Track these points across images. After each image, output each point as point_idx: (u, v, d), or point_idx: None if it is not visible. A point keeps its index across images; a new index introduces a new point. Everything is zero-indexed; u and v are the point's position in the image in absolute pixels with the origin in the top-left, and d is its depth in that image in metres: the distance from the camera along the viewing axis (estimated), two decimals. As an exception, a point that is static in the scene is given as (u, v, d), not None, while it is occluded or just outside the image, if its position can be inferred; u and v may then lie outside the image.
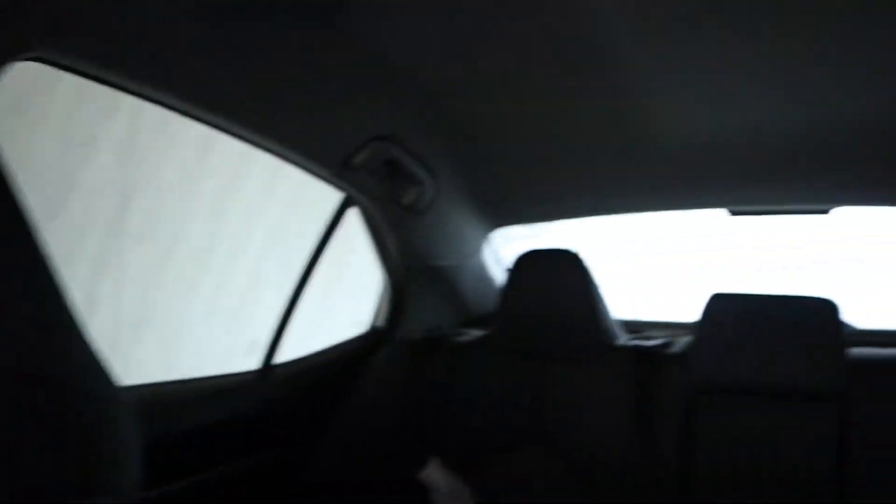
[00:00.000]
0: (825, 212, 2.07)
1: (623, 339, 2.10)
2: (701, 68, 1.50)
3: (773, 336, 1.86)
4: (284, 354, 2.08)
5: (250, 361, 2.00)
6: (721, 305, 1.94)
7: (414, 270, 2.22)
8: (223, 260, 3.63)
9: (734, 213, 2.14)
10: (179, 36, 1.21)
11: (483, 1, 1.29)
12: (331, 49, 1.43)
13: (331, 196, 1.95)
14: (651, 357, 1.99)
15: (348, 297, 3.34)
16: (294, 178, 1.80)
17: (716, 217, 2.18)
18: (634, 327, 2.36)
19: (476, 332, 2.33)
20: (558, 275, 2.02)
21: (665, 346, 2.04)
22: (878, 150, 1.74)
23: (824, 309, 1.86)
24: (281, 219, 3.85)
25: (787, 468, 1.81)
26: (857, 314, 2.49)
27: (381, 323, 2.32)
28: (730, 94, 1.58)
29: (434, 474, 2.07)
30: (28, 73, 1.14)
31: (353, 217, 2.06)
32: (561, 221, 2.47)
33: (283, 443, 2.03)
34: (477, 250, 2.42)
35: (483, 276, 2.50)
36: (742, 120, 1.68)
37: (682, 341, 2.06)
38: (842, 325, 1.84)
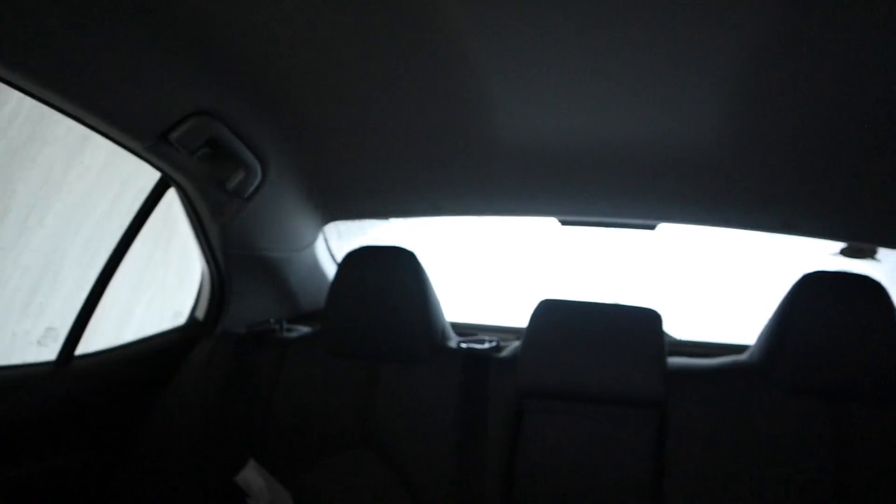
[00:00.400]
0: (652, 227, 2.15)
1: (454, 341, 2.08)
2: (538, 78, 1.49)
3: (598, 343, 1.90)
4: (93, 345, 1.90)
5: (46, 352, 1.80)
6: (548, 311, 1.96)
7: (239, 260, 2.09)
8: (11, 235, 3.23)
9: (564, 223, 2.17)
10: None
11: None
12: (148, 13, 1.29)
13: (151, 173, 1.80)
14: (480, 360, 1.97)
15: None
16: (105, 148, 1.62)
17: (548, 226, 2.21)
18: (466, 330, 2.36)
19: (304, 329, 2.23)
20: (391, 273, 1.96)
21: (495, 349, 2.04)
22: (700, 173, 1.81)
23: (648, 319, 1.93)
24: (89, 195, 3.51)
25: (605, 474, 1.85)
26: (679, 326, 2.62)
27: (200, 315, 2.17)
28: (565, 106, 1.59)
29: (251, 476, 1.95)
30: None
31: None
32: (397, 219, 2.42)
33: (88, 443, 1.85)
34: (309, 243, 2.32)
35: (315, 270, 2.41)
36: (575, 132, 1.70)
37: (512, 345, 2.06)
38: (663, 335, 1.91)
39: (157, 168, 1.72)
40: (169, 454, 1.98)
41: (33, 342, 3.19)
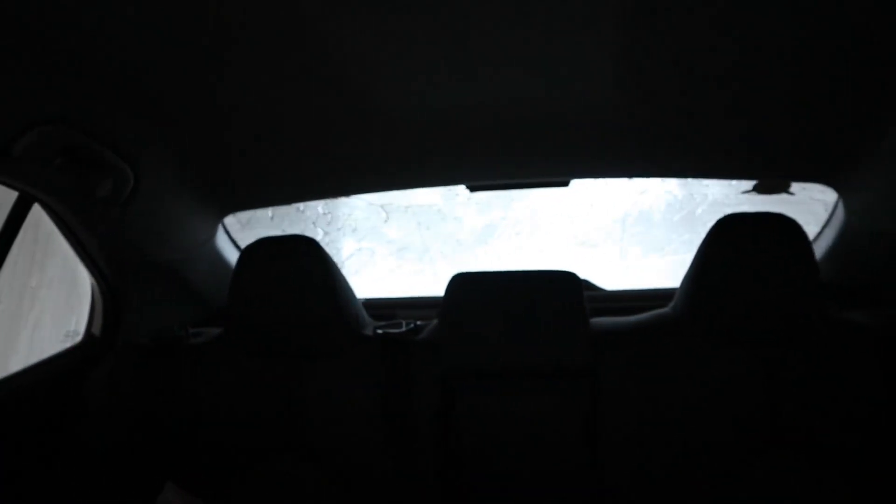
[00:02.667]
0: (565, 184, 2.06)
1: (370, 327, 1.98)
2: (417, 48, 1.37)
3: (518, 315, 1.83)
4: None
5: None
6: (463, 286, 1.87)
7: (129, 268, 1.93)
8: None
9: (473, 188, 2.07)
10: None
11: None
12: None
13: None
14: (400, 346, 1.88)
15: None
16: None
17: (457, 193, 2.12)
18: (381, 308, 2.26)
19: (214, 332, 2.10)
20: (294, 264, 1.84)
21: (412, 331, 1.94)
22: (604, 126, 1.72)
23: (566, 282, 1.86)
24: None
25: (540, 447, 1.81)
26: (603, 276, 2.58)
27: (97, 330, 2.01)
28: (449, 72, 1.47)
29: (171, 499, 1.85)
30: None
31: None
32: (299, 203, 2.28)
33: None
34: (206, 239, 2.16)
35: (218, 266, 2.26)
36: (467, 98, 1.58)
37: (431, 325, 1.98)
38: (583, 298, 1.84)
39: (10, 187, 1.54)
40: (85, 480, 1.84)
41: None
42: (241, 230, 2.38)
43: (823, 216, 2.09)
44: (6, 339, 1.68)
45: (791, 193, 5.04)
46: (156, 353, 2.02)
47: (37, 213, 1.73)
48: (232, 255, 2.32)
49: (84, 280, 2.00)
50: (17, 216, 1.65)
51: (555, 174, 2.01)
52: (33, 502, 1.75)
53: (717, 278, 1.72)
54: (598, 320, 1.90)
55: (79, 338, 2.06)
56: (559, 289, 1.85)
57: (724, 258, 1.71)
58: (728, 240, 1.71)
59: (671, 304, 1.89)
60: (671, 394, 1.77)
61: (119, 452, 1.90)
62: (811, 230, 1.86)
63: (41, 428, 1.81)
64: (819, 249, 2.07)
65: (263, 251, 1.86)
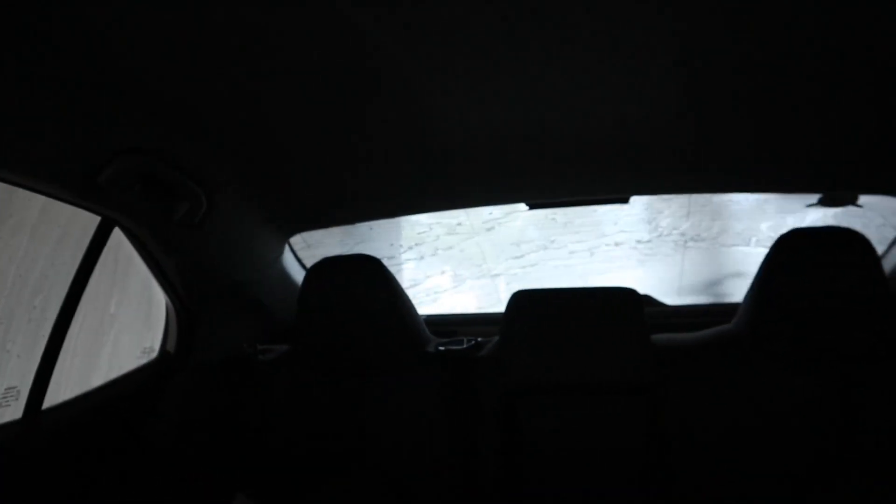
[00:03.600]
0: (625, 200, 2.07)
1: (432, 344, 2.02)
2: (483, 73, 1.41)
3: (579, 332, 1.84)
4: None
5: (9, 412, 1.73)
6: (524, 303, 1.89)
7: (202, 289, 2.02)
8: None
9: (532, 206, 2.10)
10: None
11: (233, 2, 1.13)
12: (47, 58, 1.20)
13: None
14: (462, 362, 1.91)
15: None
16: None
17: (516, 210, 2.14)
18: (441, 324, 2.30)
19: (281, 349, 2.17)
20: (358, 283, 1.89)
21: (475, 348, 1.97)
22: (666, 143, 1.73)
23: (627, 299, 1.86)
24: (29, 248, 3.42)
25: (603, 463, 1.81)
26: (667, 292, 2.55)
27: (171, 348, 2.09)
28: (526, 93, 1.50)
29: (241, 510, 1.91)
30: None
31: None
32: (362, 224, 2.34)
33: (66, 497, 1.79)
34: (274, 259, 2.24)
35: (285, 284, 2.33)
36: (536, 117, 1.61)
37: (493, 341, 2.00)
38: (644, 316, 1.84)
39: (95, 212, 1.64)
40: (159, 492, 1.92)
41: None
42: (307, 249, 2.46)
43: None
44: (88, 354, 1.79)
45: (859, 206, 4.89)
46: (226, 369, 2.09)
47: (117, 236, 1.83)
48: (298, 274, 2.39)
49: (160, 300, 2.10)
50: (100, 239, 1.75)
51: (615, 191, 2.02)
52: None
53: (781, 295, 1.69)
54: (659, 336, 1.89)
55: (154, 354, 2.15)
56: (620, 305, 1.85)
57: (787, 274, 1.68)
58: (792, 255, 1.69)
59: (734, 321, 1.87)
60: (737, 413, 1.74)
61: (191, 464, 1.97)
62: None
63: (119, 438, 1.90)
64: (888, 265, 2.02)
65: (328, 270, 1.92)
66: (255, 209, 1.98)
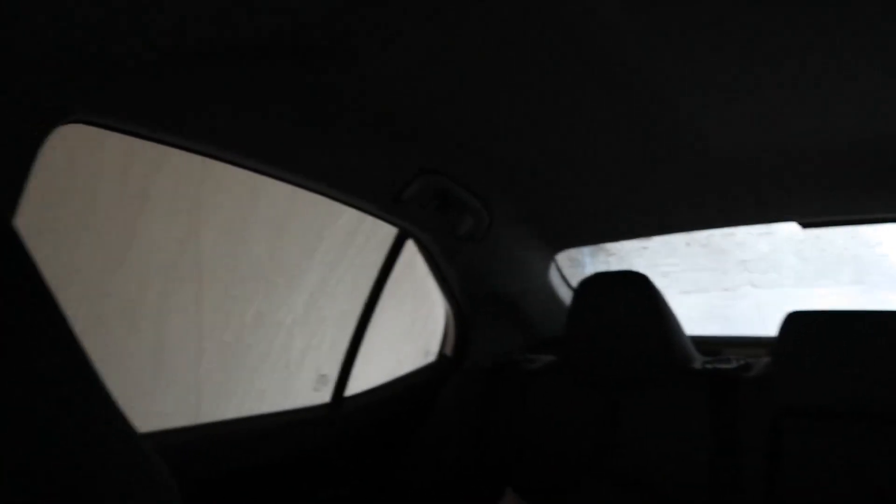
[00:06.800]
0: None
1: (698, 362, 2.01)
2: (763, 79, 1.40)
3: (860, 355, 1.74)
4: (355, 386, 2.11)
5: (321, 396, 2.03)
6: (799, 324, 1.82)
7: (478, 298, 2.21)
8: (283, 296, 3.73)
9: (805, 225, 2.02)
10: (215, 88, 1.24)
11: (506, 28, 1.26)
12: (365, 90, 1.43)
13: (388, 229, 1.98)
14: (729, 381, 1.88)
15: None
16: (350, 212, 1.82)
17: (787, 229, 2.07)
18: (707, 345, 2.27)
19: (546, 358, 2.28)
20: (626, 298, 1.95)
21: (744, 368, 1.93)
22: None
23: None
24: (337, 254, 3.93)
25: (874, 496, 1.69)
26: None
27: (448, 351, 2.31)
28: (795, 103, 1.48)
29: (509, 505, 2.04)
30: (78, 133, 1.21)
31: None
32: (625, 241, 2.40)
33: (356, 476, 2.05)
34: (542, 273, 2.38)
35: (550, 298, 2.46)
36: (806, 130, 1.57)
37: (762, 363, 1.95)
38: None
39: (395, 225, 1.88)
40: (430, 484, 2.12)
41: (308, 388, 3.65)
42: (571, 266, 2.59)
43: None
44: (365, 355, 2.09)
45: None
46: (495, 374, 2.25)
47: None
48: (561, 289, 2.51)
49: (436, 306, 2.33)
50: (395, 250, 2.00)
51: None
52: (390, 488, 2.07)
53: None
54: None
55: (431, 357, 2.38)
56: None
57: None
58: None
59: None
60: None
61: (463, 458, 2.15)
62: None
63: (400, 428, 2.13)
64: None
65: (598, 285, 2.00)
66: (527, 225, 2.13)
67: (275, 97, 1.33)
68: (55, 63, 0.99)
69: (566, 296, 2.54)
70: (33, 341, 0.45)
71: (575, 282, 2.20)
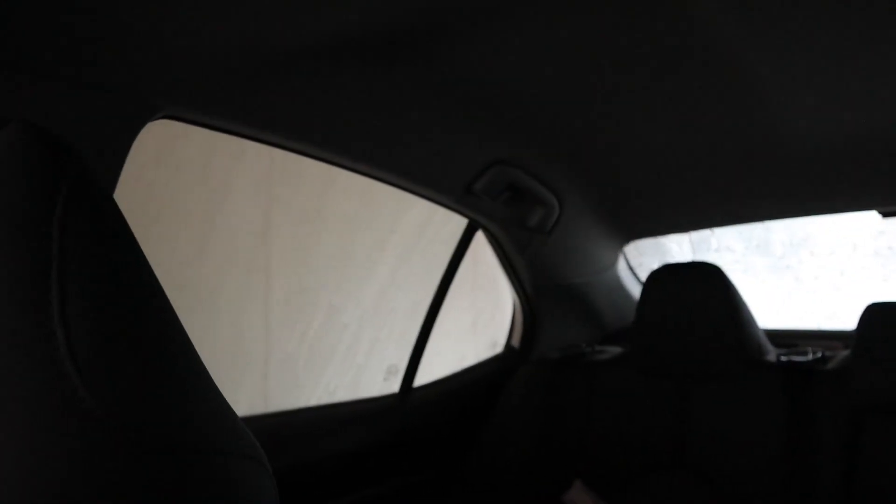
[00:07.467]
0: None
1: (772, 354, 1.97)
2: (843, 66, 1.37)
3: None
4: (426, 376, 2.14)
5: (390, 386, 2.07)
6: (880, 316, 1.77)
7: (546, 289, 2.20)
8: (355, 287, 3.79)
9: (886, 214, 1.95)
10: (294, 83, 1.26)
11: (585, 18, 1.25)
12: (441, 81, 1.44)
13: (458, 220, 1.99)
14: (804, 374, 1.84)
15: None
16: (421, 204, 1.83)
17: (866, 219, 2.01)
18: (782, 338, 2.22)
19: (614, 350, 2.27)
20: (697, 289, 1.93)
21: (821, 361, 1.89)
22: None
23: None
24: (408, 246, 3.98)
25: None
26: None
27: (516, 343, 2.31)
28: (874, 91, 1.44)
29: (578, 497, 2.04)
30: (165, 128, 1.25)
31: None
32: (694, 232, 2.36)
33: (426, 465, 2.07)
34: (610, 265, 2.36)
35: (618, 290, 2.44)
36: (883, 117, 1.53)
37: (839, 356, 1.90)
38: None
39: (466, 216, 1.89)
40: (498, 475, 2.13)
41: (378, 378, 3.72)
42: (639, 256, 2.56)
43: None
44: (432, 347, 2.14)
45: None
46: (562, 366, 2.25)
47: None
48: (628, 281, 2.49)
49: (504, 298, 2.33)
50: (465, 241, 2.01)
51: None
52: (459, 478, 2.09)
53: None
54: None
55: (499, 349, 2.39)
56: None
57: None
58: None
59: None
60: None
61: (531, 449, 2.15)
62: None
63: (468, 419, 2.14)
64: None
65: (668, 276, 1.98)
66: (597, 216, 2.12)
67: (360, 92, 1.35)
68: (149, 61, 1.03)
69: (632, 288, 2.52)
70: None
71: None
